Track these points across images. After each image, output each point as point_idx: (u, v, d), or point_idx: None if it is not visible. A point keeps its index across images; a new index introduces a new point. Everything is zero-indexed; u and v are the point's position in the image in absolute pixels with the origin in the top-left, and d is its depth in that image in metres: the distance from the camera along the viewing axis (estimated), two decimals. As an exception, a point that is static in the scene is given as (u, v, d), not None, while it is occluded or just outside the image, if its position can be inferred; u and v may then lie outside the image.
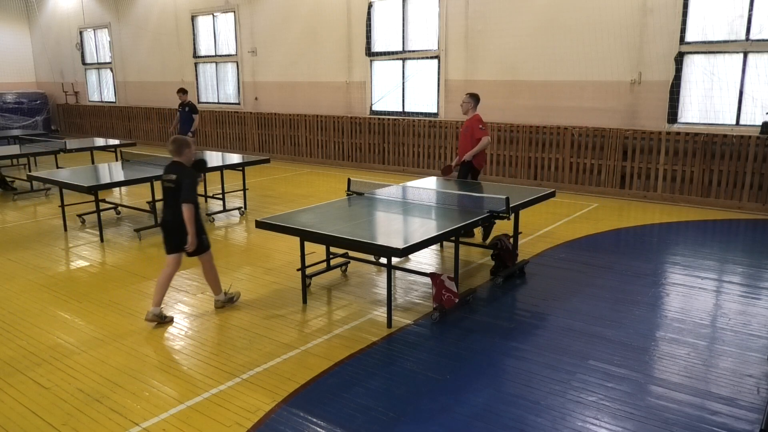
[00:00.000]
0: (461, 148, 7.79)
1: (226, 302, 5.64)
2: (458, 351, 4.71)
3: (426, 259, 7.01)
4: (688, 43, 9.68)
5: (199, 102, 17.60)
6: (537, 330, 5.10)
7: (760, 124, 9.22)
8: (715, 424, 3.68)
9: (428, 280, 5.69)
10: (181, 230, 5.12)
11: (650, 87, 10.06)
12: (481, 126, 7.58)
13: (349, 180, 6.79)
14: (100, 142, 13.23)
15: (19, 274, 6.65)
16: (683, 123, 9.99)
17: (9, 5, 21.64)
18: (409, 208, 6.14)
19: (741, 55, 9.35)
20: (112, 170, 9.16)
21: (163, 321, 5.27)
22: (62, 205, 8.54)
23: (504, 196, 5.70)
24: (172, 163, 5.24)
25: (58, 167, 11.15)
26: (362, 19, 13.40)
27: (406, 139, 12.95)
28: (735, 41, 9.34)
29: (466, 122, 7.77)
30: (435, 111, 12.74)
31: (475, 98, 7.75)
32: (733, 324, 5.13)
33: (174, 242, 5.26)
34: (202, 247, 5.30)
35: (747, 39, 9.24)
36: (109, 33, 19.73)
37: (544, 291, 6.01)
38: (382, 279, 6.30)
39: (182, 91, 12.75)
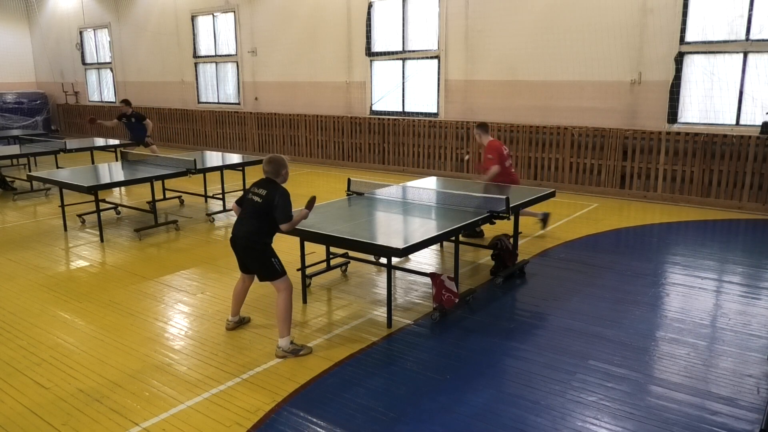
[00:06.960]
0: None
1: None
2: (458, 351, 4.71)
3: (426, 259, 7.01)
4: (688, 43, 9.68)
5: (199, 102, 17.63)
6: (537, 330, 5.10)
7: (760, 124, 9.22)
8: (715, 424, 3.68)
9: (428, 280, 5.68)
10: (251, 249, 4.65)
11: (650, 87, 10.06)
12: None
13: (349, 180, 6.78)
14: (100, 142, 13.22)
15: (19, 274, 6.64)
16: (683, 123, 9.99)
17: (9, 5, 21.62)
18: (409, 208, 6.14)
19: (741, 55, 9.35)
20: (112, 170, 9.17)
21: (297, 354, 4.64)
22: (62, 205, 8.54)
23: (504, 196, 5.71)
24: (266, 179, 4.71)
25: (58, 167, 11.14)
26: (362, 19, 13.40)
27: (406, 139, 12.95)
28: (735, 41, 9.33)
29: None
30: (435, 111, 12.74)
31: None
32: (733, 324, 5.12)
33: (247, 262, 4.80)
34: (276, 273, 4.66)
35: (747, 39, 9.23)
36: (109, 33, 19.72)
37: (544, 291, 6.01)
38: (382, 279, 6.30)
39: (125, 103, 12.46)
